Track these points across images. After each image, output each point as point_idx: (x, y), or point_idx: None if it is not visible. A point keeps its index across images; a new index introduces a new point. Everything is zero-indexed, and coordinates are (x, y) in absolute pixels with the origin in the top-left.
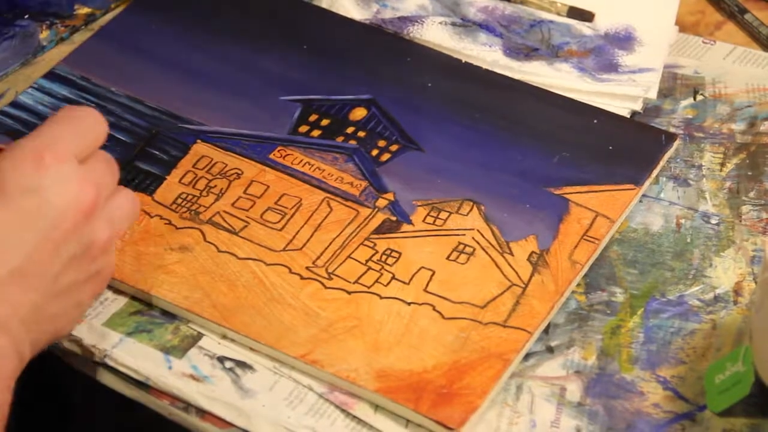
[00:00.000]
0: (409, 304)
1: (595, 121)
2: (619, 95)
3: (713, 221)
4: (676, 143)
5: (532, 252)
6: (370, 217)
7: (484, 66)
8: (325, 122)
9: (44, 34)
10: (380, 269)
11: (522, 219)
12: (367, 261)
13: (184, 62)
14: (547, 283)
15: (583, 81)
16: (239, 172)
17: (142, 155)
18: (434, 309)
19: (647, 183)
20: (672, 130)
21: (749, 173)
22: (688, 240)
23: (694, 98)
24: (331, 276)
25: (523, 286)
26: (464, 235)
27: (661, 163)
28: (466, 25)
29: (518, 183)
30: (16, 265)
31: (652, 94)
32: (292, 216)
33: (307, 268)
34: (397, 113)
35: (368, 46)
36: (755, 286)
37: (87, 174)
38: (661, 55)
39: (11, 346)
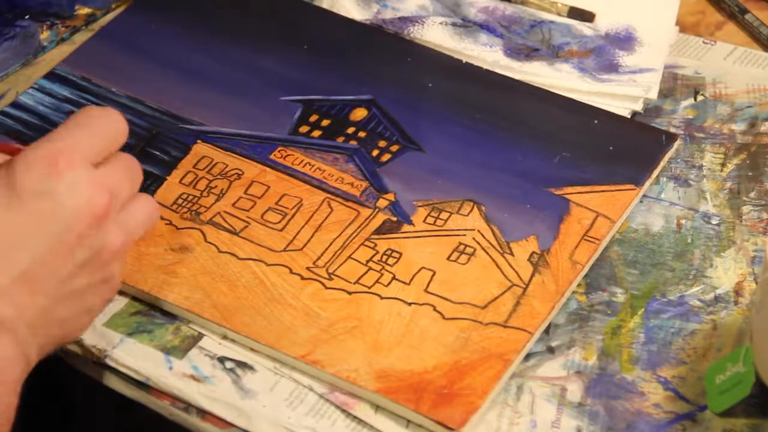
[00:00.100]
0: (409, 304)
1: (596, 121)
2: (619, 95)
3: (714, 221)
4: (677, 144)
5: (533, 252)
6: (371, 217)
7: (485, 66)
8: (325, 122)
9: (45, 35)
10: (381, 270)
11: (522, 219)
12: (367, 261)
13: (184, 62)
14: (548, 284)
15: (583, 81)
16: (240, 172)
17: (143, 155)
18: (435, 309)
19: (648, 183)
20: (672, 130)
21: (750, 173)
22: (689, 240)
23: (695, 98)
24: (332, 276)
25: (524, 286)
26: (465, 235)
27: (662, 164)
28: (466, 26)
29: (519, 183)
30: (24, 268)
31: (653, 95)
32: (292, 216)
33: (307, 268)
34: (397, 114)
35: (369, 46)
36: (756, 287)
37: (102, 179)
38: (661, 55)
39: (17, 349)
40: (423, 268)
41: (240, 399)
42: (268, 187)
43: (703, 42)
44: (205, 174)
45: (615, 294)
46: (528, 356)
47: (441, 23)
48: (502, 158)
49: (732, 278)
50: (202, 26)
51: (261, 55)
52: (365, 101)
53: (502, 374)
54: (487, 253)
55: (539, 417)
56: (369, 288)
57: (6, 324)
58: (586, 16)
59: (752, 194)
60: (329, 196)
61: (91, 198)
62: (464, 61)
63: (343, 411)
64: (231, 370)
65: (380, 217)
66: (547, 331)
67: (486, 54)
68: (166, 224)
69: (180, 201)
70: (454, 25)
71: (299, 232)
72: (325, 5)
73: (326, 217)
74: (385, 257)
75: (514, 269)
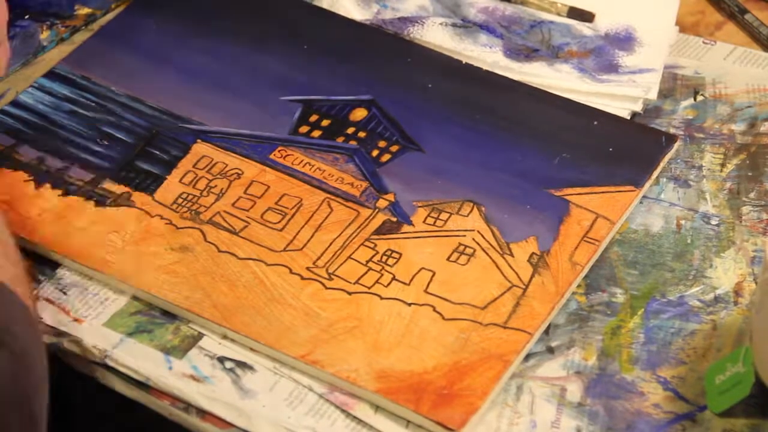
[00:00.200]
0: (409, 304)
1: (596, 122)
2: (619, 96)
3: (713, 222)
4: (677, 145)
5: (533, 253)
6: (371, 217)
7: (485, 67)
8: (325, 123)
9: (45, 35)
10: (381, 270)
11: (522, 220)
12: (367, 262)
13: (183, 62)
14: (548, 284)
15: (583, 82)
16: (240, 172)
17: (143, 155)
18: (435, 310)
19: (647, 184)
20: (672, 130)
21: (749, 174)
22: (689, 241)
23: (695, 99)
24: (332, 276)
25: (524, 287)
26: (465, 236)
27: (662, 165)
28: (466, 26)
29: (519, 184)
30: None
31: (653, 95)
32: (292, 216)
33: (307, 268)
34: (397, 114)
35: (369, 46)
36: (755, 287)
37: None
38: (661, 55)
39: None
40: (423, 268)
41: (240, 399)
42: (268, 186)
43: (703, 42)
44: (204, 173)
45: (615, 294)
46: (528, 356)
47: (441, 24)
48: (502, 159)
49: (732, 278)
50: (202, 26)
51: (261, 55)
52: (365, 101)
53: (502, 375)
54: (487, 253)
55: (539, 417)
56: (369, 288)
57: None
58: (585, 17)
59: (752, 194)
60: (329, 196)
61: None
62: (464, 62)
63: (343, 411)
64: (231, 370)
65: (380, 218)
66: (546, 331)
67: (486, 54)
68: (166, 224)
69: (180, 200)
70: (454, 25)
71: (299, 232)
72: (325, 5)
73: (326, 217)
74: (384, 257)
75: (513, 270)
